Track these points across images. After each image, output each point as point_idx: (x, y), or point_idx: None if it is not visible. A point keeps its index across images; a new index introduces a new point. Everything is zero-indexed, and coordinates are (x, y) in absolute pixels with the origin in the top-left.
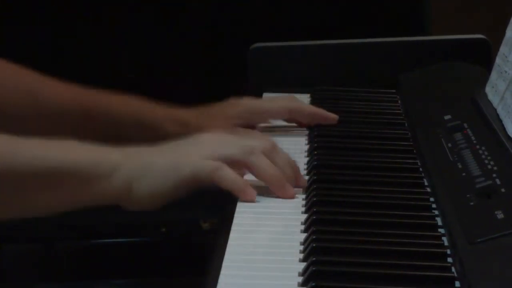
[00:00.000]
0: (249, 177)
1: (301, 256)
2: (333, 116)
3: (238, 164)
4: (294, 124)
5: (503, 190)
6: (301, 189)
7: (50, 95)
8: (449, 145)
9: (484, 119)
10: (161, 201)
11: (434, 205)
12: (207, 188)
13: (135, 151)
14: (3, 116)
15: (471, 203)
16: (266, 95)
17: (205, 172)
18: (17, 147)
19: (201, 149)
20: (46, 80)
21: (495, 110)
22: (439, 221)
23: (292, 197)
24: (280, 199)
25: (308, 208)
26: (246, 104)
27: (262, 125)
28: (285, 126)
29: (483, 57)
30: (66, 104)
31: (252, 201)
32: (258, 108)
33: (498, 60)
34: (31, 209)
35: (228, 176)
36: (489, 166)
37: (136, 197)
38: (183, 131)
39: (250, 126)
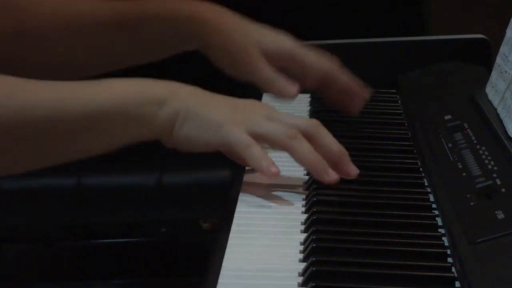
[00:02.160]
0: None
1: (301, 256)
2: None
3: (278, 145)
4: None
5: (503, 190)
6: (301, 189)
7: (84, 7)
8: (449, 145)
9: (484, 119)
10: (194, 149)
11: (434, 205)
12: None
13: (183, 90)
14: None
15: (471, 203)
16: (266, 95)
17: (239, 147)
18: (57, 91)
19: (246, 120)
20: None
21: (496, 110)
22: (439, 221)
23: (335, 181)
24: (281, 199)
25: (308, 208)
26: (290, 46)
27: None
28: None
29: (483, 57)
30: (107, 15)
31: (275, 177)
32: (299, 57)
33: (498, 60)
34: (75, 152)
35: (255, 155)
36: (489, 166)
37: (175, 137)
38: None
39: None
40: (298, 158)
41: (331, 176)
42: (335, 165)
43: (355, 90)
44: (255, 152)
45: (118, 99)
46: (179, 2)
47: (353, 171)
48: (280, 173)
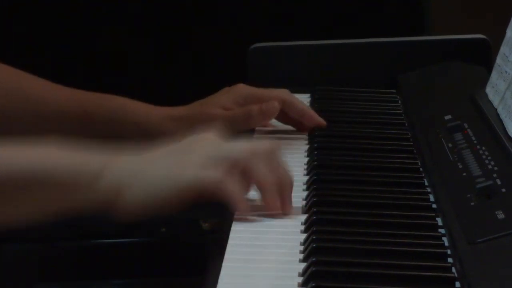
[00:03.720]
0: None
1: (301, 256)
2: (321, 121)
3: (237, 166)
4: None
5: (503, 190)
6: (301, 189)
7: (45, 94)
8: (449, 145)
9: (484, 119)
10: (152, 212)
11: (434, 205)
12: (204, 201)
13: (124, 157)
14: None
15: (472, 203)
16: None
17: (206, 183)
18: None
19: (198, 155)
20: (44, 81)
21: (496, 110)
22: (439, 221)
23: (276, 209)
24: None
25: (308, 208)
26: (240, 90)
27: (260, 128)
28: (284, 126)
29: (484, 57)
30: (64, 105)
31: (246, 213)
32: (252, 94)
33: (498, 60)
34: (9, 217)
35: (230, 192)
36: (490, 166)
37: (125, 206)
38: (181, 126)
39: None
40: (253, 176)
41: (276, 204)
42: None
43: (310, 114)
44: (232, 185)
45: (53, 167)
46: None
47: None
48: None
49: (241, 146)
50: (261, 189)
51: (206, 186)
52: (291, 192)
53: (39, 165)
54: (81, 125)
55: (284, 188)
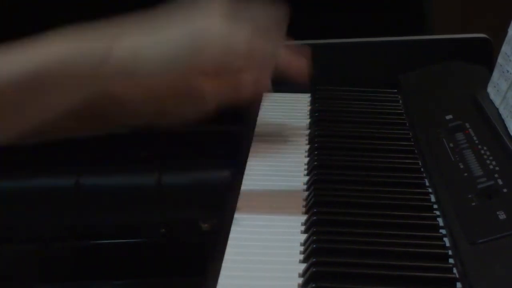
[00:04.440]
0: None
1: (301, 257)
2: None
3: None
4: (293, 125)
5: (504, 190)
6: (301, 189)
7: None
8: (451, 145)
9: (485, 119)
10: (176, 68)
11: (435, 206)
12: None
13: (119, 36)
14: None
15: (473, 204)
16: (266, 95)
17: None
18: None
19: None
20: None
21: (497, 110)
22: (440, 221)
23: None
24: (280, 199)
25: (308, 209)
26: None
27: (260, 128)
28: (284, 126)
29: (485, 56)
30: None
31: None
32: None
33: (500, 59)
34: (22, 122)
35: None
36: (491, 166)
37: (147, 65)
38: None
39: None
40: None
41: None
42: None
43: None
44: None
45: (57, 57)
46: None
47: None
48: (281, 174)
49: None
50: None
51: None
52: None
53: (43, 65)
54: None
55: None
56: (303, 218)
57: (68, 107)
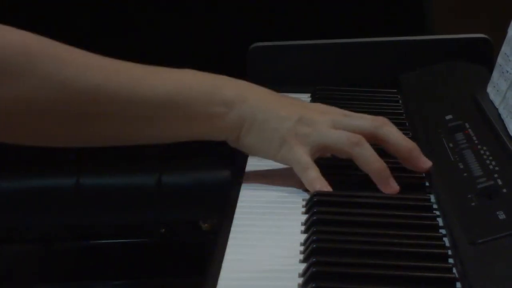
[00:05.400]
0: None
1: (302, 257)
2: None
3: (342, 155)
4: None
5: (504, 190)
6: (301, 189)
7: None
8: (450, 145)
9: (485, 119)
10: (257, 155)
11: (435, 206)
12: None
13: (252, 94)
14: None
15: (472, 204)
16: None
17: (297, 168)
18: (132, 77)
19: (310, 134)
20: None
21: (497, 110)
22: (440, 221)
23: (395, 191)
24: (280, 199)
25: (309, 209)
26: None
27: None
28: None
29: (485, 56)
30: None
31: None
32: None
33: (499, 59)
34: (133, 139)
35: (310, 177)
36: (491, 166)
37: (239, 142)
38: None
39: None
40: (361, 165)
41: (392, 187)
42: (406, 160)
43: (411, 156)
44: (310, 175)
45: (187, 93)
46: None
47: (426, 164)
48: (280, 174)
49: (349, 130)
50: (371, 176)
51: (292, 166)
52: (417, 154)
53: (176, 89)
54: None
55: (406, 156)
56: (303, 218)
57: (177, 138)
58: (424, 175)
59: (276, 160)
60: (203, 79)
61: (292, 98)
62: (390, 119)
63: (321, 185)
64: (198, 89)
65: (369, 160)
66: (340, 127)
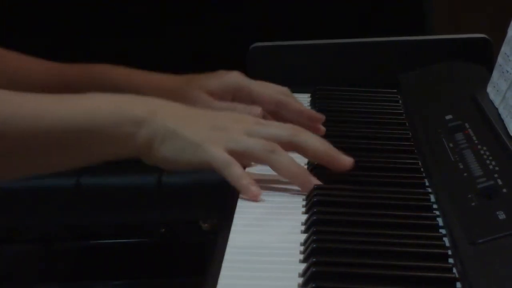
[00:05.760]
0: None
1: (301, 257)
2: (319, 118)
3: (258, 161)
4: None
5: (504, 190)
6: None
7: (23, 66)
8: (450, 145)
9: (485, 119)
10: (175, 167)
11: (435, 206)
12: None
13: (162, 109)
14: None
15: (472, 204)
16: None
17: (218, 166)
18: (37, 106)
19: (225, 138)
20: (15, 53)
21: (497, 110)
22: (440, 221)
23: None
24: (281, 200)
25: (309, 208)
26: (234, 79)
27: None
28: None
29: (485, 56)
30: (44, 78)
31: (255, 200)
32: (245, 87)
33: (499, 59)
34: (45, 168)
35: (235, 174)
36: (491, 166)
37: (154, 157)
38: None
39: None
40: (279, 171)
41: (313, 183)
42: (327, 163)
43: (309, 115)
44: (235, 171)
45: (94, 117)
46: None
47: (347, 162)
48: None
49: (264, 138)
50: (290, 181)
51: (217, 167)
52: (335, 155)
53: (83, 115)
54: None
55: (325, 160)
56: (303, 218)
57: (90, 162)
58: (424, 175)
59: (193, 166)
60: (110, 101)
61: (204, 110)
62: (390, 119)
63: (248, 181)
64: (106, 112)
65: (285, 165)
66: (255, 135)
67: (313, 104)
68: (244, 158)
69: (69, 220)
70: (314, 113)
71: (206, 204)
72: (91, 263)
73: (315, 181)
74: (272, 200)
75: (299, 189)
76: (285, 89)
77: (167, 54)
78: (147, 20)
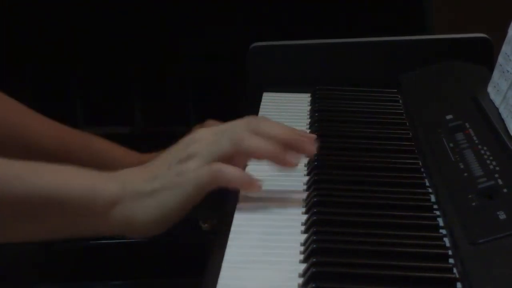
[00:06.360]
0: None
1: (302, 257)
2: (295, 160)
3: (235, 156)
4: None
5: (505, 190)
6: (301, 189)
7: (29, 123)
8: (451, 145)
9: (486, 119)
10: (169, 224)
11: (435, 206)
12: (213, 192)
13: (131, 181)
14: None
15: (473, 204)
16: (266, 95)
17: (206, 180)
18: (6, 172)
19: (192, 159)
20: (32, 113)
21: (497, 109)
22: (440, 221)
23: (296, 164)
24: (281, 200)
25: (309, 209)
26: None
27: None
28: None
29: (485, 56)
30: (47, 142)
31: (259, 191)
32: None
33: (500, 59)
34: (15, 237)
35: (230, 174)
36: (491, 166)
37: (142, 227)
38: None
39: None
40: (254, 155)
41: (291, 160)
42: (275, 163)
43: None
44: (226, 172)
45: (68, 192)
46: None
47: (294, 159)
48: (281, 174)
49: (227, 134)
50: (268, 160)
51: (208, 181)
52: (298, 138)
53: (54, 188)
54: (60, 162)
55: (291, 143)
56: (303, 218)
57: (66, 235)
58: (424, 174)
59: (186, 204)
60: (83, 176)
61: (163, 154)
62: (390, 118)
63: (242, 174)
64: (78, 187)
65: (259, 148)
66: (208, 159)
67: (313, 104)
68: (217, 181)
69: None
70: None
71: (206, 204)
72: (91, 263)
73: (293, 158)
74: (272, 200)
75: (299, 189)
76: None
77: (167, 54)
78: (146, 20)
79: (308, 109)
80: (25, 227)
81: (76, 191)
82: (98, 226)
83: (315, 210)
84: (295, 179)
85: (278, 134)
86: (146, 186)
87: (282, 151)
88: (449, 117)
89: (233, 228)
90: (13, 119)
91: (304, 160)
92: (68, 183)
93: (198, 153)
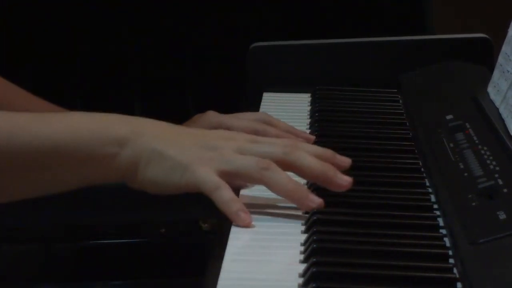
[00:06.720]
0: None
1: (302, 257)
2: (345, 182)
3: (251, 181)
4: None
5: (505, 190)
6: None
7: (30, 109)
8: (451, 145)
9: (486, 119)
10: (162, 191)
11: (435, 206)
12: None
13: (147, 129)
14: None
15: (473, 204)
16: (266, 95)
17: (206, 189)
18: (13, 123)
19: (215, 158)
20: (24, 92)
21: (497, 109)
22: (440, 221)
23: (319, 206)
24: (281, 200)
25: None
26: (209, 119)
27: None
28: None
29: (485, 56)
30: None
31: (246, 226)
32: (222, 124)
33: (500, 59)
34: (28, 190)
35: (224, 198)
36: (491, 166)
37: (139, 180)
38: None
39: None
40: (274, 189)
41: (315, 201)
42: (324, 183)
43: (295, 132)
44: (223, 195)
45: (76, 137)
46: None
47: (344, 182)
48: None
49: (256, 156)
50: (287, 199)
51: (205, 190)
52: (332, 174)
53: (64, 136)
54: None
55: (322, 179)
56: (303, 218)
57: (72, 185)
58: (424, 174)
59: (180, 189)
60: (91, 119)
61: (193, 128)
62: (390, 119)
63: (237, 207)
64: (86, 131)
65: (282, 183)
66: (247, 153)
67: (313, 104)
68: (237, 179)
69: (69, 220)
70: (299, 133)
71: (206, 204)
72: (91, 263)
73: (316, 199)
74: (272, 200)
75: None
76: (262, 115)
77: (167, 54)
78: (146, 20)
79: (308, 109)
80: (36, 177)
81: (84, 135)
82: (106, 169)
83: (315, 210)
84: (295, 179)
85: (322, 154)
86: (160, 144)
87: (303, 191)
88: (449, 117)
89: (233, 228)
90: (13, 102)
91: None
92: (77, 128)
93: (245, 148)
